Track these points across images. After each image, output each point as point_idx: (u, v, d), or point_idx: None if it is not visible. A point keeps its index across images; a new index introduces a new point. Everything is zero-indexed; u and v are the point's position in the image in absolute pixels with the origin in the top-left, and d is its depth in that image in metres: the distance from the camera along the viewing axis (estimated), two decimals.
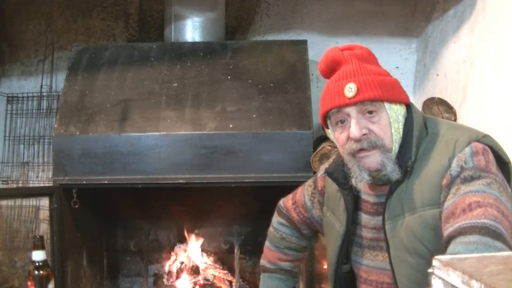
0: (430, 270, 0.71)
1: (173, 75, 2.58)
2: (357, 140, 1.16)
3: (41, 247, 1.62)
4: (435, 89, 2.60)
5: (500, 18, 1.93)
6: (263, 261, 1.60)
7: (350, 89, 1.15)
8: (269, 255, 1.59)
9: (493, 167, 1.11)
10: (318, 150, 2.33)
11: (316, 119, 2.58)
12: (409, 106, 1.23)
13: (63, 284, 2.44)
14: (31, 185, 3.04)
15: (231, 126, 2.36)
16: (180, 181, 2.35)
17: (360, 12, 3.00)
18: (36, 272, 1.61)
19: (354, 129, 1.15)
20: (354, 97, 1.14)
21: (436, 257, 0.71)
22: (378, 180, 1.22)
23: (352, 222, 1.30)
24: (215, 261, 2.92)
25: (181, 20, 2.76)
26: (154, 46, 2.74)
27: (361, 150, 1.17)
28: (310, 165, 2.33)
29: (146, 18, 3.12)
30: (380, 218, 1.22)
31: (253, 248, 2.97)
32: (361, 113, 1.17)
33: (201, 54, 2.66)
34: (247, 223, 2.90)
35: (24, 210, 2.99)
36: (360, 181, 1.21)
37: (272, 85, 2.51)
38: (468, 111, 2.19)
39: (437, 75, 2.59)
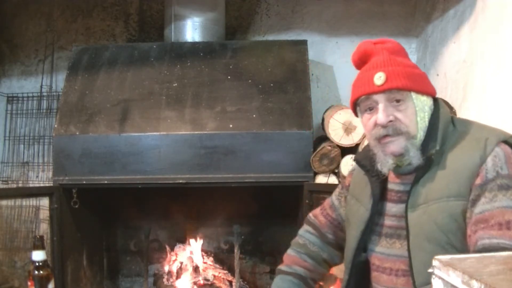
0: (430, 270, 0.72)
1: (173, 75, 2.58)
2: (384, 126, 1.22)
3: (41, 247, 1.62)
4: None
5: (500, 18, 1.93)
6: (278, 267, 1.56)
7: (379, 78, 1.21)
8: (286, 259, 1.55)
9: None
10: (318, 150, 2.33)
11: (316, 119, 2.59)
12: (436, 101, 1.28)
13: (63, 284, 2.44)
14: (31, 185, 3.03)
15: (231, 126, 2.36)
16: (180, 181, 2.35)
17: (360, 12, 3.00)
18: (36, 272, 1.61)
19: (381, 116, 1.21)
20: (382, 85, 1.21)
21: (436, 257, 0.71)
22: (401, 169, 1.27)
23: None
24: (215, 261, 2.92)
25: (181, 20, 2.76)
26: (154, 46, 2.74)
27: (386, 136, 1.23)
28: (310, 165, 2.33)
29: (146, 18, 3.11)
30: (402, 206, 1.25)
31: (253, 248, 2.97)
32: (389, 101, 1.22)
33: (201, 54, 2.66)
34: (247, 223, 2.90)
35: (24, 210, 2.99)
36: (385, 165, 1.26)
37: (272, 85, 2.51)
38: (468, 111, 2.19)
39: (437, 75, 2.59)
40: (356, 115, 1.35)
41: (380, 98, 1.22)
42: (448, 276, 0.66)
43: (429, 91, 1.26)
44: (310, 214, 1.61)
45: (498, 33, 1.94)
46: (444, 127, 1.23)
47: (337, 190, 1.55)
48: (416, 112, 1.22)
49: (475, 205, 1.13)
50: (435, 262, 0.70)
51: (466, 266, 0.66)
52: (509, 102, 1.83)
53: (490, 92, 1.99)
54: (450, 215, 1.15)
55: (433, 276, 0.70)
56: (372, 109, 1.25)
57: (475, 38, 2.16)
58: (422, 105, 1.23)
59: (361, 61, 1.30)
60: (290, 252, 1.56)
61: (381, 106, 1.22)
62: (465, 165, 1.16)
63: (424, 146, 1.22)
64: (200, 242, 2.87)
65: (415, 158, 1.22)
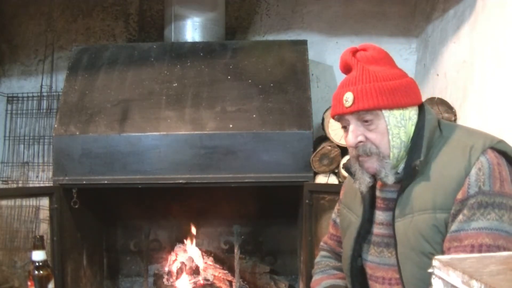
0: (430, 270, 0.71)
1: (173, 75, 2.58)
2: (354, 147, 1.23)
3: (41, 247, 1.62)
4: (435, 89, 2.60)
5: (500, 18, 1.93)
6: None
7: (346, 100, 1.20)
8: (314, 284, 1.52)
9: (508, 185, 1.12)
10: (318, 150, 2.33)
11: (316, 119, 2.58)
12: (422, 108, 1.25)
13: (63, 284, 2.44)
14: (31, 185, 3.04)
15: (231, 126, 2.36)
16: (180, 181, 2.35)
17: (360, 12, 3.00)
18: (36, 272, 1.61)
19: (350, 137, 1.22)
20: (350, 106, 1.19)
21: (436, 257, 0.71)
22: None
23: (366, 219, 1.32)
24: (215, 261, 2.91)
25: (181, 20, 2.76)
26: (154, 46, 2.74)
27: (360, 155, 1.23)
28: (310, 165, 2.33)
29: (146, 18, 3.11)
30: (389, 213, 1.24)
31: (253, 248, 2.97)
32: (359, 120, 1.21)
33: (201, 54, 2.66)
34: (247, 223, 2.90)
35: (24, 210, 2.99)
36: (362, 183, 1.26)
37: (272, 85, 2.51)
38: (468, 111, 2.19)
39: (437, 75, 2.58)
40: None
41: (350, 119, 1.21)
42: (448, 276, 0.66)
43: (409, 102, 1.20)
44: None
45: (498, 33, 1.94)
46: (430, 135, 1.20)
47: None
48: (388, 131, 1.19)
49: (454, 221, 1.12)
50: (435, 262, 0.70)
51: (466, 266, 0.66)
52: (509, 102, 1.83)
53: (490, 92, 1.99)
54: (436, 226, 1.15)
55: (433, 276, 0.70)
56: (346, 127, 1.25)
57: (475, 38, 2.16)
58: (396, 121, 1.19)
59: (345, 71, 1.29)
60: (316, 277, 1.52)
61: (351, 127, 1.22)
62: (451, 177, 1.14)
63: (410, 156, 1.20)
64: (194, 241, 2.87)
65: (387, 177, 1.21)
